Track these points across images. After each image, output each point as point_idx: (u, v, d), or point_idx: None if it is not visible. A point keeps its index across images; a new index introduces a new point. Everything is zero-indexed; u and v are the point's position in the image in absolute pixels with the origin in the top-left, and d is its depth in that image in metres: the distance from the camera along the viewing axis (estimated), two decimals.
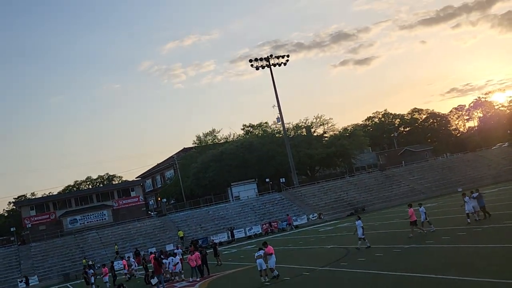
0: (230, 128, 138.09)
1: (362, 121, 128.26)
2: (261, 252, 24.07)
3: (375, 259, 24.45)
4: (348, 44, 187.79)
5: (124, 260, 43.08)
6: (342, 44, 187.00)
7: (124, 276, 40.99)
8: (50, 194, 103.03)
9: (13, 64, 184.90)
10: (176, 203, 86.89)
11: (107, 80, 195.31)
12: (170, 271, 32.43)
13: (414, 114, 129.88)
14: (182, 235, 61.48)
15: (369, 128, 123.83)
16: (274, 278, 23.87)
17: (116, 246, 60.45)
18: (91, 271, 37.00)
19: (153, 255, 36.30)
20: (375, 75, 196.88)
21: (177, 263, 31.92)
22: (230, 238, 59.85)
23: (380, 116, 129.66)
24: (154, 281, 28.69)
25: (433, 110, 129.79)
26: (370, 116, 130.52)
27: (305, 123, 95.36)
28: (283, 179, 78.21)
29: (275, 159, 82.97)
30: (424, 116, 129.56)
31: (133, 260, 44.00)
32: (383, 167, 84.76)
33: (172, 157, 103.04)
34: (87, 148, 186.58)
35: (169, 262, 32.18)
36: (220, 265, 34.67)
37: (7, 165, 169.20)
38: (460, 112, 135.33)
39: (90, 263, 50.77)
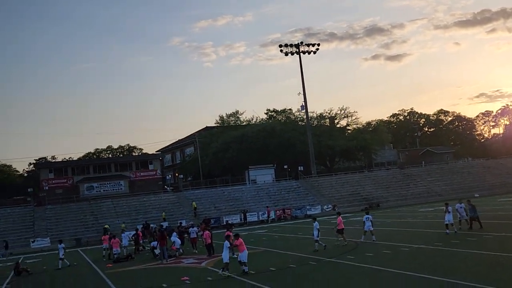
0: (253, 111, 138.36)
1: (387, 117, 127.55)
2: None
3: (382, 256, 24.44)
4: (381, 38, 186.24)
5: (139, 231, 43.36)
6: (376, 38, 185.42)
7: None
8: (70, 159, 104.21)
9: (45, 29, 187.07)
10: (193, 180, 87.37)
11: (137, 53, 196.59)
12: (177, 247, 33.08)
13: (440, 115, 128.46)
14: (195, 206, 63.01)
15: (393, 125, 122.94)
16: (243, 273, 22.61)
17: (163, 213, 60.72)
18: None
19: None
20: (405, 72, 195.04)
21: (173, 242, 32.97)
22: (243, 221, 60.16)
23: (406, 114, 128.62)
24: (157, 251, 32.06)
25: (459, 113, 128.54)
26: (395, 113, 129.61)
27: (329, 113, 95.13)
28: (302, 167, 78.16)
29: (296, 146, 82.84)
30: (449, 119, 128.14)
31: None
32: (403, 165, 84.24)
33: (193, 134, 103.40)
34: (111, 117, 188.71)
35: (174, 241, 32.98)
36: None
37: (31, 126, 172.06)
38: (487, 118, 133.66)
39: (123, 225, 51.23)
